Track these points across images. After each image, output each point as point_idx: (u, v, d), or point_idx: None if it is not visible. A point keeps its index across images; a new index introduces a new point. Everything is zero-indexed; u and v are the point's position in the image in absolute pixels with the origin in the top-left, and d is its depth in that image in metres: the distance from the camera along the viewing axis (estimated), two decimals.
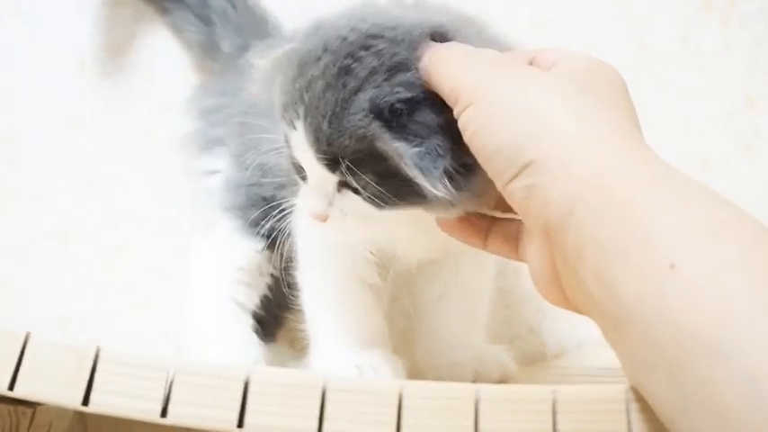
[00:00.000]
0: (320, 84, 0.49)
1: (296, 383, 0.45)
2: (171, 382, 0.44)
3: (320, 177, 0.52)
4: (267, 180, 0.65)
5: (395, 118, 0.48)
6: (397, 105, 0.48)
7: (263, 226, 0.65)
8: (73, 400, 0.44)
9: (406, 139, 0.48)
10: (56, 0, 0.84)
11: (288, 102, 0.51)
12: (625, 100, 0.48)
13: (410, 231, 0.56)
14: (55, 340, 0.45)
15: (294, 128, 0.51)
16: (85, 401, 0.44)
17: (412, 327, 0.67)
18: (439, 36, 0.51)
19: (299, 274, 0.61)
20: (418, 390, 0.45)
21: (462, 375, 0.62)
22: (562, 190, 0.42)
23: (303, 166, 0.53)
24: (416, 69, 0.49)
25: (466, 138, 0.47)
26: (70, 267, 0.82)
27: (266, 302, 0.71)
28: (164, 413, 0.44)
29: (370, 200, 0.51)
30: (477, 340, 0.66)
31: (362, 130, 0.48)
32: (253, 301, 0.68)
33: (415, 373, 0.59)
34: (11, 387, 0.44)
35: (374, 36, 0.50)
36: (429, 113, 0.48)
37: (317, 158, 0.50)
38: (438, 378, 0.62)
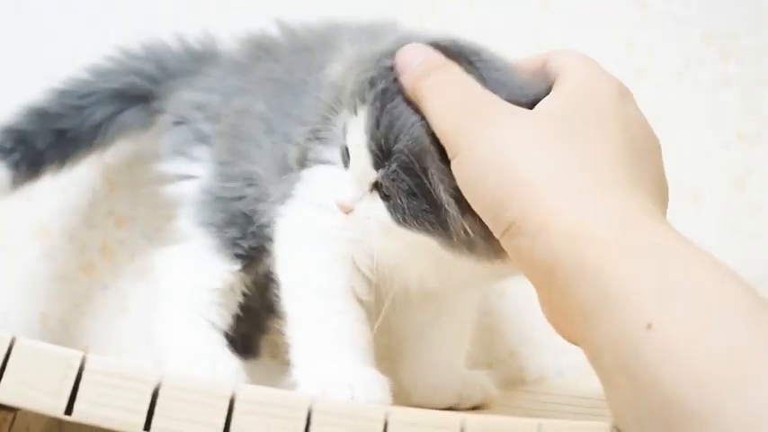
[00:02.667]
0: (395, 75, 0.50)
1: (281, 404, 0.45)
2: (156, 395, 0.44)
3: (362, 170, 0.52)
4: (251, 191, 0.65)
5: None
6: None
7: (240, 245, 0.65)
8: (56, 409, 0.44)
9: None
10: None
11: (357, 89, 0.51)
12: (621, 127, 0.48)
13: (417, 262, 0.56)
14: (40, 346, 0.45)
15: (356, 113, 0.51)
16: (69, 410, 0.44)
17: (395, 345, 0.67)
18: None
19: (285, 285, 0.60)
20: (404, 416, 0.45)
21: (446, 398, 0.63)
22: (540, 253, 0.42)
23: (350, 154, 0.53)
24: None
25: (459, 186, 0.47)
26: (52, 266, 0.81)
27: (245, 318, 0.70)
28: (147, 426, 0.44)
29: (392, 210, 0.51)
30: (461, 364, 0.66)
31: (419, 138, 0.49)
32: (225, 320, 0.66)
33: (398, 392, 0.59)
34: None
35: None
36: None
37: (368, 148, 0.51)
38: (421, 399, 0.63)
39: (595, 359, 0.41)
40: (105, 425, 0.44)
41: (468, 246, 0.50)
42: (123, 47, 0.75)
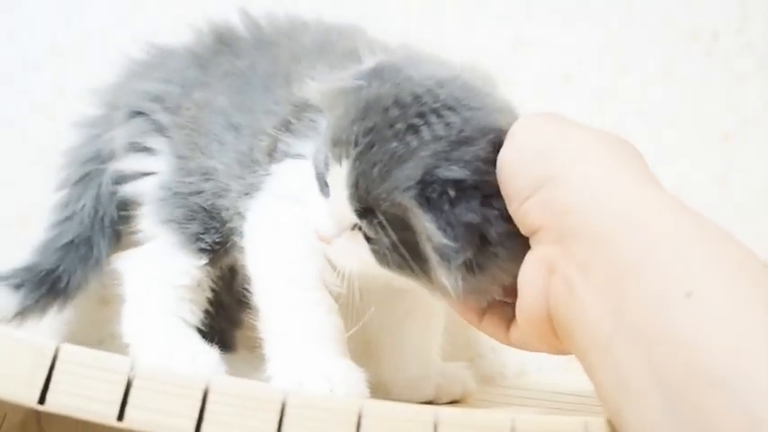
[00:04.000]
0: (382, 134, 0.49)
1: (256, 395, 0.45)
2: (129, 386, 0.44)
3: (343, 214, 0.52)
4: (208, 186, 0.64)
5: (439, 198, 0.48)
6: (447, 189, 0.48)
7: (203, 240, 0.65)
8: (29, 399, 0.44)
9: (438, 223, 0.48)
10: None
11: (341, 139, 0.51)
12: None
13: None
14: (13, 335, 0.45)
15: (340, 165, 0.51)
16: (42, 400, 0.44)
17: (373, 338, 0.67)
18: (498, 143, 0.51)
19: (256, 278, 0.60)
20: (378, 409, 0.45)
21: (424, 392, 0.63)
22: (583, 200, 0.44)
23: (330, 191, 0.53)
24: (480, 149, 0.49)
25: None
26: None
27: (218, 314, 0.70)
28: (120, 417, 0.44)
29: (376, 254, 0.52)
30: (437, 357, 0.66)
31: (404, 195, 0.49)
32: (196, 316, 0.66)
33: (376, 384, 0.59)
34: None
35: (450, 108, 0.50)
36: (472, 207, 0.49)
37: (349, 201, 0.51)
38: (401, 392, 0.63)
39: (606, 320, 0.41)
40: (79, 415, 0.44)
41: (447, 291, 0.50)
42: (64, 151, 0.75)
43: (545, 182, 0.46)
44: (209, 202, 0.64)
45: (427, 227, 0.48)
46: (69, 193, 0.73)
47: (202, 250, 0.65)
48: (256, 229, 0.60)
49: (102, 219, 0.72)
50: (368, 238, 0.51)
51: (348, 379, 0.54)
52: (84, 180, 0.73)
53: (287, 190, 0.58)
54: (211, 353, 0.61)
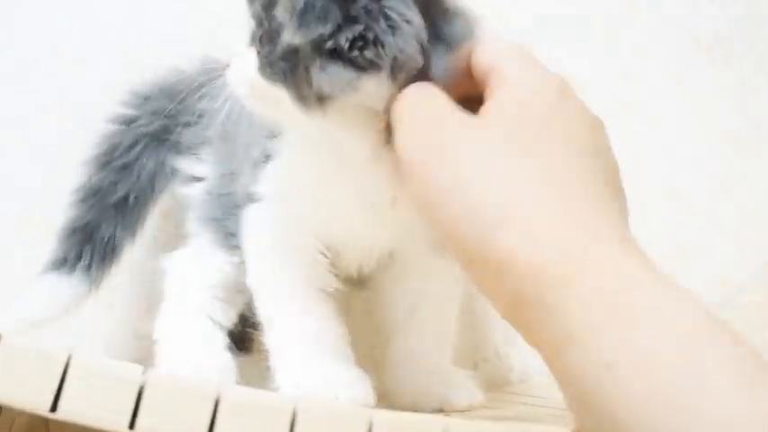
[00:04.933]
0: None
1: (266, 405, 0.45)
2: (141, 395, 0.44)
3: (247, 17, 0.51)
4: (235, 188, 0.64)
5: None
6: None
7: (237, 237, 0.64)
8: (41, 407, 0.44)
9: None
10: None
11: None
12: (572, 133, 0.44)
13: (358, 212, 0.54)
14: (26, 344, 0.45)
15: None
16: (53, 408, 0.44)
17: (380, 343, 0.67)
18: None
19: (251, 279, 0.60)
20: (388, 419, 0.45)
21: (431, 401, 0.63)
22: (506, 290, 0.41)
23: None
24: None
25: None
26: (35, 255, 0.80)
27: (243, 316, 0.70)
28: (131, 425, 0.44)
29: (258, 60, 0.49)
30: (446, 361, 0.66)
31: None
32: (229, 317, 0.65)
33: (382, 391, 0.59)
34: None
35: None
36: None
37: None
38: (407, 401, 0.63)
39: (561, 386, 0.41)
40: (90, 423, 0.44)
41: (321, 101, 0.47)
42: (134, 91, 0.74)
43: (471, 261, 0.42)
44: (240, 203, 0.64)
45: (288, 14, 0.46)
46: (131, 137, 0.72)
47: (236, 247, 0.64)
48: (247, 240, 0.60)
49: (154, 188, 0.71)
50: (257, 51, 0.49)
51: (355, 386, 0.55)
52: (154, 135, 0.72)
53: (275, 195, 0.58)
54: (226, 358, 0.61)
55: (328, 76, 0.45)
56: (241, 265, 0.64)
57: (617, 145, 0.45)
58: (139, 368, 0.45)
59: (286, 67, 0.47)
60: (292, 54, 0.46)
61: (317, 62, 0.45)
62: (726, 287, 0.89)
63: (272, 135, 0.58)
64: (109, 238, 0.69)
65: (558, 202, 0.41)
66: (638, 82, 0.92)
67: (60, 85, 0.82)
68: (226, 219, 0.65)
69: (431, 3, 0.46)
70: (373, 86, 0.46)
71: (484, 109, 0.44)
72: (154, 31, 0.82)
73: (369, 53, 0.44)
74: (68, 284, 0.67)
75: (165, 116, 0.72)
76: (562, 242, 0.40)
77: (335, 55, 0.45)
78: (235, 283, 0.65)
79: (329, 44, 0.45)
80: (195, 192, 0.69)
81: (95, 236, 0.69)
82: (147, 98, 0.73)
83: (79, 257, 0.68)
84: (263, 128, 0.59)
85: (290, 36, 0.46)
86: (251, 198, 0.59)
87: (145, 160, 0.71)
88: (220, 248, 0.65)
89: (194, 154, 0.70)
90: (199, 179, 0.69)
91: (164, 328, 0.64)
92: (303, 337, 0.57)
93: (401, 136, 0.45)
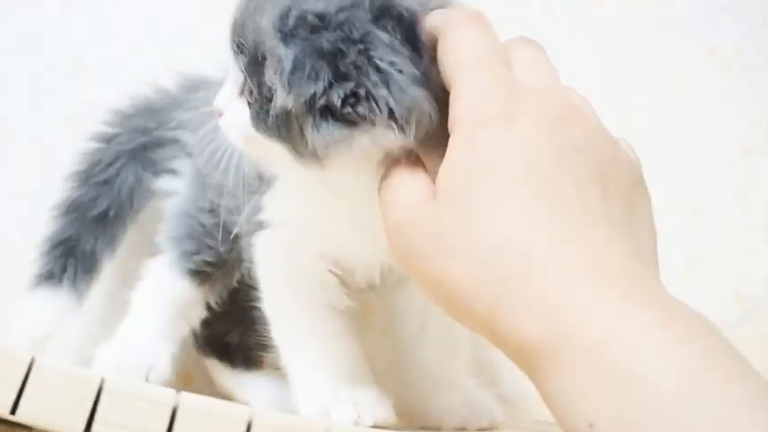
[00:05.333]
0: None
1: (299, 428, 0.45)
2: (174, 417, 0.45)
3: (233, 69, 0.50)
4: (224, 202, 0.64)
5: (296, 27, 0.45)
6: (307, 17, 0.44)
7: (193, 261, 0.66)
8: (74, 430, 0.44)
9: (292, 50, 0.45)
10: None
11: None
12: (593, 156, 0.42)
13: (358, 232, 0.54)
14: (59, 366, 0.45)
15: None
16: (86, 431, 0.44)
17: (398, 360, 0.67)
18: None
19: (265, 305, 0.60)
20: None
21: (452, 421, 0.62)
22: (504, 345, 0.40)
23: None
24: None
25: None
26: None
27: (246, 331, 0.70)
28: None
29: (253, 116, 0.49)
30: (464, 376, 0.65)
31: (265, 22, 0.46)
32: (180, 330, 0.67)
33: (402, 409, 0.59)
34: (13, 411, 0.44)
35: None
36: (330, 38, 0.44)
37: (231, 40, 0.49)
38: (427, 421, 0.63)
39: None
40: None
41: (317, 157, 0.46)
42: (114, 109, 0.75)
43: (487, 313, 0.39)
44: (216, 220, 0.64)
45: (280, 53, 0.45)
46: (111, 154, 0.73)
47: (191, 271, 0.66)
48: (258, 267, 0.60)
49: (133, 202, 0.72)
50: (250, 105, 0.49)
51: (377, 407, 0.55)
52: (132, 152, 0.73)
53: (283, 216, 0.58)
54: (160, 363, 0.63)
55: (322, 135, 0.45)
56: (194, 286, 0.66)
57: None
58: (172, 391, 0.46)
59: (281, 124, 0.47)
60: (286, 113, 0.46)
61: (311, 121, 0.45)
62: (741, 302, 0.89)
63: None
64: (90, 252, 0.70)
65: (573, 235, 0.39)
66: (652, 93, 0.92)
67: (80, 100, 0.82)
68: (186, 239, 0.66)
69: (417, 28, 0.46)
70: (367, 142, 0.45)
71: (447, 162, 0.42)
72: (174, 46, 0.83)
73: (361, 109, 0.44)
74: (59, 298, 0.68)
75: (143, 133, 0.73)
76: (577, 294, 0.37)
77: (328, 112, 0.45)
78: (187, 302, 0.67)
79: (321, 102, 0.44)
80: (170, 206, 0.70)
81: (77, 249, 0.70)
82: (126, 116, 0.75)
83: (64, 270, 0.69)
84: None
85: (283, 99, 0.45)
86: (258, 226, 0.60)
87: (124, 176, 0.72)
88: (176, 269, 0.66)
89: (170, 169, 0.71)
90: (171, 194, 0.70)
91: (117, 333, 0.65)
92: (321, 360, 0.57)
93: (387, 223, 0.44)
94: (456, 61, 0.43)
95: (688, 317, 0.37)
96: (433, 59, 0.45)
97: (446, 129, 0.43)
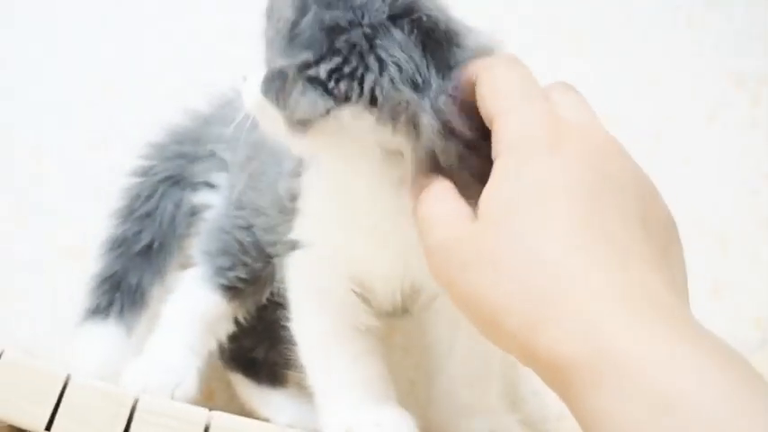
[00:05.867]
0: None
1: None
2: None
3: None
4: (259, 221, 0.65)
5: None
6: None
7: (226, 276, 0.66)
8: None
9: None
10: (85, 19, 0.85)
11: None
12: (634, 195, 0.43)
13: (382, 251, 0.55)
14: (94, 384, 0.46)
15: None
16: None
17: (420, 380, 0.68)
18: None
19: (293, 324, 0.60)
20: None
21: None
22: (541, 368, 0.39)
23: None
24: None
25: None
26: (80, 286, 0.82)
27: (271, 346, 0.71)
28: None
29: (262, 77, 0.50)
30: (489, 399, 0.64)
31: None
32: (207, 345, 0.67)
33: (425, 428, 0.59)
34: (48, 427, 0.45)
35: None
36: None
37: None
38: None
39: None
40: None
41: (302, 124, 0.48)
42: (149, 142, 0.76)
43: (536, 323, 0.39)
44: (254, 238, 0.65)
45: (288, 17, 0.47)
46: (149, 186, 0.73)
47: (223, 286, 0.66)
48: (292, 288, 0.60)
49: (176, 229, 0.73)
50: None
51: (400, 428, 0.55)
52: (169, 180, 0.73)
53: (311, 235, 0.59)
54: (186, 378, 0.62)
55: (305, 100, 0.46)
56: (224, 302, 0.66)
57: (653, 181, 0.45)
58: (204, 410, 0.46)
59: (278, 86, 0.48)
60: (283, 76, 0.47)
61: (299, 87, 0.46)
62: (762, 329, 0.89)
63: (296, 174, 0.59)
64: (137, 286, 0.70)
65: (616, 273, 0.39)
66: (678, 120, 0.92)
67: (109, 121, 0.84)
68: (220, 255, 0.67)
69: (436, 34, 0.46)
70: (348, 117, 0.47)
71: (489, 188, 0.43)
72: (202, 69, 0.84)
73: (342, 85, 0.46)
74: (106, 331, 0.69)
75: (178, 158, 0.74)
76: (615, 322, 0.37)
77: (317, 82, 0.46)
78: (216, 317, 0.67)
79: (311, 71, 0.46)
80: (205, 219, 0.71)
81: (123, 284, 0.70)
82: (161, 146, 0.75)
83: (111, 304, 0.69)
84: (287, 169, 0.60)
85: (279, 57, 0.47)
86: (291, 246, 0.60)
87: (164, 205, 0.73)
88: (208, 283, 0.66)
89: (207, 183, 0.72)
90: (208, 207, 0.71)
91: (146, 348, 0.66)
92: (345, 380, 0.58)
93: (428, 242, 0.44)
94: (500, 96, 0.44)
95: (722, 347, 0.37)
96: (465, 99, 0.46)
97: (481, 157, 0.45)
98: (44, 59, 0.84)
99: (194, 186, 0.73)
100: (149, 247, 0.71)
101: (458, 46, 0.47)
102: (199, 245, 0.69)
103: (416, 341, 0.75)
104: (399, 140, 0.47)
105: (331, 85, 0.46)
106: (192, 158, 0.74)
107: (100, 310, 0.69)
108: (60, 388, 0.46)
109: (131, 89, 0.85)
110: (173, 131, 0.76)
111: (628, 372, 0.35)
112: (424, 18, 0.46)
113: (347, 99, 0.46)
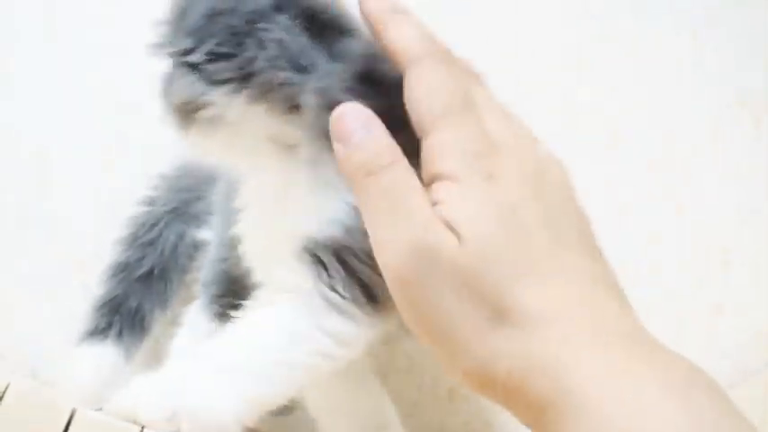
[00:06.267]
0: None
1: None
2: None
3: None
4: (235, 253, 0.64)
5: None
6: None
7: (218, 303, 0.66)
8: None
9: None
10: (102, 40, 0.86)
11: None
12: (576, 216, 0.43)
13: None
14: (100, 417, 0.46)
15: None
16: None
17: (422, 400, 0.67)
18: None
19: None
20: None
21: None
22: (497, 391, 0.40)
23: None
24: None
25: None
26: (87, 297, 0.81)
27: None
28: None
29: None
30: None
31: None
32: None
33: None
34: None
35: None
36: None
37: None
38: None
39: None
40: None
41: (186, 114, 0.49)
42: (160, 174, 0.77)
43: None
44: (234, 269, 0.65)
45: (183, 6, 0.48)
46: (154, 216, 0.75)
47: (219, 314, 0.66)
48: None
49: (177, 259, 0.73)
50: None
51: None
52: (174, 211, 0.74)
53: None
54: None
55: (181, 83, 0.47)
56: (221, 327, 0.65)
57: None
58: None
59: (166, 78, 0.50)
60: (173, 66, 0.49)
61: (179, 73, 0.48)
62: (765, 347, 0.89)
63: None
64: (137, 310, 0.71)
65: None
66: (680, 140, 0.92)
67: (118, 130, 0.84)
68: (212, 284, 0.67)
69: (323, 20, 0.47)
70: (224, 100, 0.47)
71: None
72: None
73: (216, 65, 0.46)
74: (103, 352, 0.69)
75: (184, 191, 0.75)
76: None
77: (197, 69, 0.47)
78: None
79: (190, 57, 0.47)
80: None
81: (123, 308, 0.71)
82: (169, 178, 0.77)
83: (109, 326, 0.70)
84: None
85: (168, 47, 0.48)
86: None
87: (167, 235, 0.74)
88: (206, 312, 0.67)
89: (208, 221, 0.73)
90: (208, 244, 0.71)
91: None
92: (345, 402, 0.58)
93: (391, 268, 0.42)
94: (429, 107, 0.43)
95: (690, 372, 0.38)
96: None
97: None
98: (56, 73, 0.85)
99: (198, 224, 0.74)
100: (150, 273, 0.72)
101: (349, 35, 0.47)
102: (200, 278, 0.70)
103: (419, 361, 0.75)
104: (293, 132, 0.47)
105: (205, 66, 0.46)
106: (198, 194, 0.74)
107: (98, 331, 0.70)
108: (66, 421, 0.45)
109: (143, 106, 0.84)
110: (181, 165, 0.77)
111: (593, 414, 0.36)
112: (309, 4, 0.46)
113: (225, 82, 0.46)
